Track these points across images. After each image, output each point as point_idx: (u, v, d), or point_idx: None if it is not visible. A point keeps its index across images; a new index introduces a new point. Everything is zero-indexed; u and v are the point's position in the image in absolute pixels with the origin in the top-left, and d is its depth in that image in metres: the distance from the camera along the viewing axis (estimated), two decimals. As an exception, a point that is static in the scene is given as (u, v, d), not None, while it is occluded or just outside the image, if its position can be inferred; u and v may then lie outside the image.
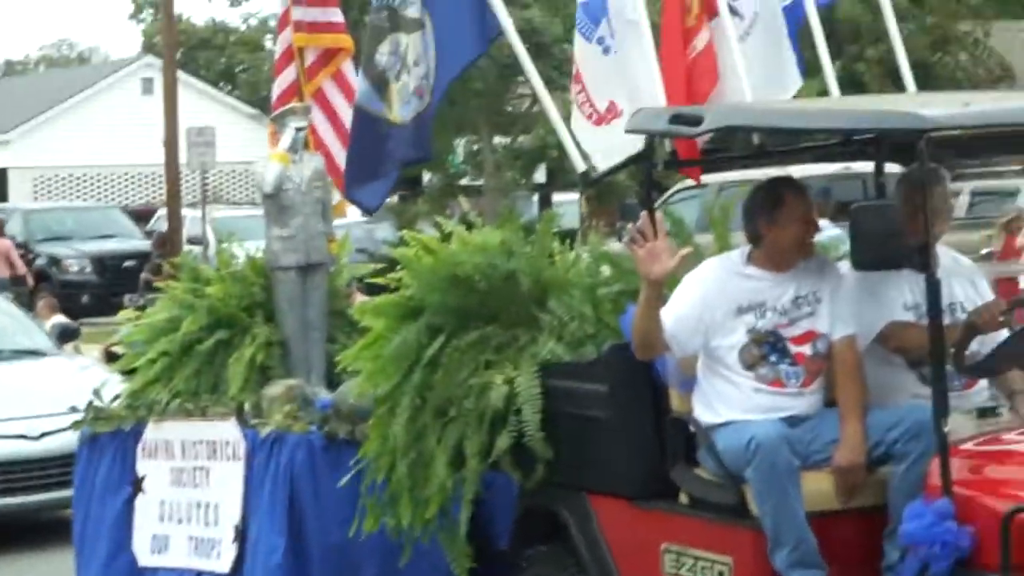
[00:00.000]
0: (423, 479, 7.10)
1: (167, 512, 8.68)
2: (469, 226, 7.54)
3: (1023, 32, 35.82)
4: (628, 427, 6.58)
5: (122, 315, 9.82)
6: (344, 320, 8.98)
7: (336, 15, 9.71)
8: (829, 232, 7.14)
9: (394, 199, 31.35)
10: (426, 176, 30.71)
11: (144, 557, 8.75)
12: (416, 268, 7.29)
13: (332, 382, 8.68)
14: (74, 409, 9.34)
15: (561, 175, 29.53)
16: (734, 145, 8.14)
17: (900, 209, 5.66)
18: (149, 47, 47.51)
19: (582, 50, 8.19)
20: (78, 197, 42.20)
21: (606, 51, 8.14)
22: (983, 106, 5.99)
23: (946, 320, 5.86)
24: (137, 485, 8.79)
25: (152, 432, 8.72)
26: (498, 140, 29.46)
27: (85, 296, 26.75)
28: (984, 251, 16.12)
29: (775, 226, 6.20)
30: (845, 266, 6.20)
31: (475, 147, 29.83)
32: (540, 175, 31.49)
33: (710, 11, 8.11)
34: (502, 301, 7.20)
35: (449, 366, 7.06)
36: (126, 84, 44.22)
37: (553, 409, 6.78)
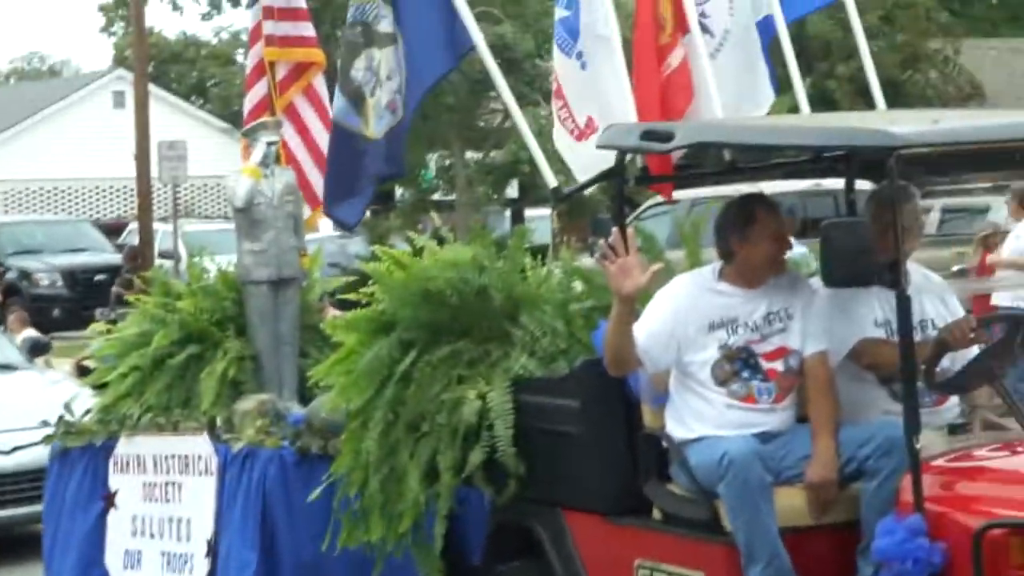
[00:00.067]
0: (396, 494, 7.09)
1: (139, 527, 8.66)
2: (441, 241, 7.54)
3: (992, 50, 36.06)
4: (601, 443, 6.59)
5: (92, 328, 9.79)
6: (316, 334, 8.97)
7: (308, 29, 9.72)
8: (795, 250, 7.17)
9: (366, 214, 31.34)
10: (398, 191, 30.71)
11: (116, 572, 8.73)
12: (388, 283, 7.29)
13: (304, 397, 8.68)
14: (45, 423, 9.30)
15: (533, 190, 29.57)
16: (706, 161, 8.16)
17: (870, 226, 5.69)
18: (120, 60, 47.40)
19: (562, 65, 8.22)
20: (49, 210, 42.04)
21: (583, 66, 8.17)
22: (952, 124, 6.03)
23: (917, 337, 5.89)
24: (109, 500, 8.76)
25: (124, 447, 8.70)
26: (470, 155, 29.47)
27: (56, 310, 26.63)
28: (956, 268, 16.17)
29: (747, 243, 6.22)
30: (817, 282, 6.22)
31: (447, 162, 29.83)
32: (512, 190, 31.53)
33: (682, 28, 8.13)
34: (474, 316, 7.21)
35: (421, 381, 7.07)
36: (97, 97, 44.10)
37: (525, 424, 6.79)
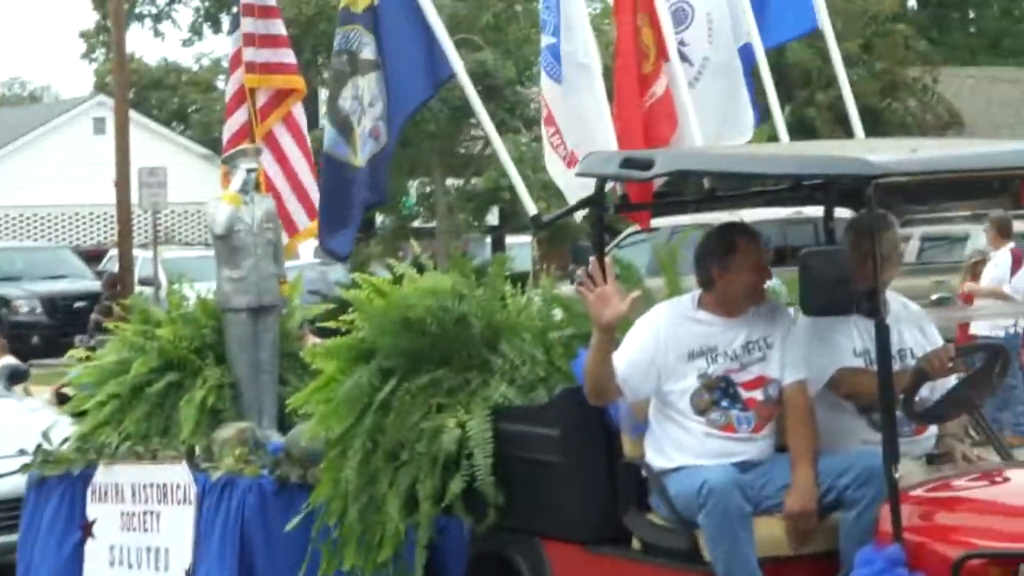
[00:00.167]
0: (375, 523, 7.07)
1: (117, 556, 8.60)
2: (420, 269, 7.54)
3: (971, 79, 36.21)
4: (580, 472, 6.58)
5: (71, 356, 9.75)
6: (296, 362, 8.94)
7: (288, 56, 9.72)
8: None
9: (348, 241, 31.25)
10: (379, 218, 30.68)
11: (93, 602, 8.68)
12: (368, 311, 7.28)
13: (284, 425, 8.65)
14: (23, 452, 9.24)
15: (514, 218, 29.57)
16: (686, 189, 8.18)
17: (849, 255, 5.70)
18: (101, 87, 47.35)
19: (551, 91, 8.21)
20: (28, 237, 41.94)
21: (565, 93, 8.19)
22: (931, 153, 6.05)
23: (896, 366, 5.90)
24: (87, 529, 8.71)
25: (102, 475, 8.65)
26: (451, 182, 29.47)
27: (35, 337, 26.51)
28: (936, 296, 16.21)
29: (727, 272, 6.22)
30: (796, 311, 6.23)
31: (428, 189, 29.83)
32: (493, 217, 31.53)
33: (664, 56, 8.15)
34: (454, 344, 7.20)
35: (401, 409, 7.06)
36: (78, 123, 44.01)
37: (505, 453, 6.78)
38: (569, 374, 6.86)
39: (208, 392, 8.70)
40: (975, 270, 15.08)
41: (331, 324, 7.66)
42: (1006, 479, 6.06)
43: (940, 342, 6.36)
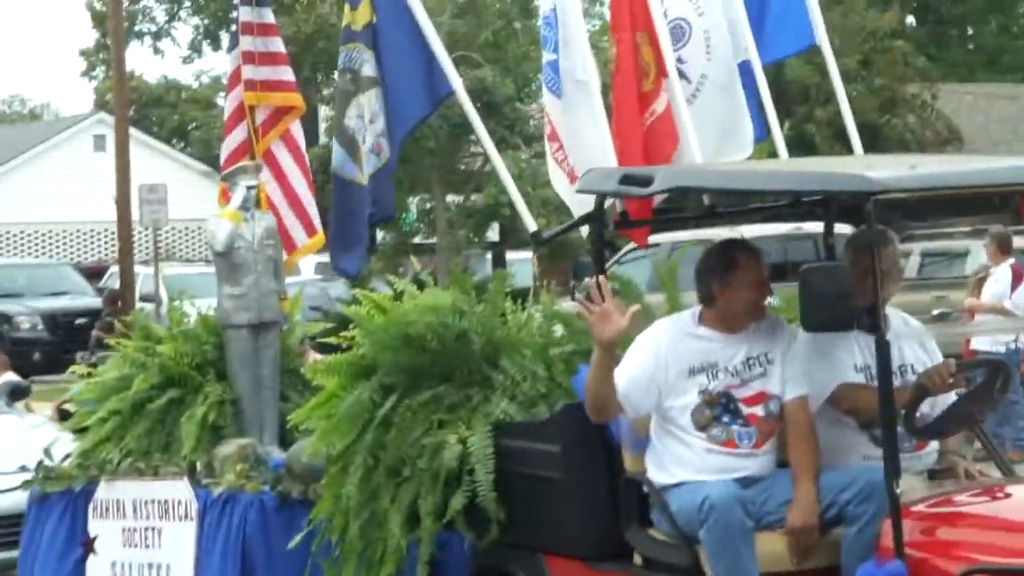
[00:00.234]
0: (376, 539, 7.08)
1: (118, 573, 8.60)
2: (421, 285, 7.55)
3: (969, 95, 36.25)
4: (582, 487, 6.59)
5: (72, 372, 9.76)
6: (297, 378, 8.95)
7: (287, 73, 9.75)
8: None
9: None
10: (379, 234, 30.71)
11: (95, 618, 8.68)
12: (368, 327, 7.29)
13: (285, 441, 8.66)
14: (24, 468, 9.25)
15: (514, 234, 29.59)
16: (686, 206, 8.19)
17: (849, 271, 5.71)
18: (101, 104, 47.40)
19: (553, 107, 8.23)
20: (29, 254, 41.95)
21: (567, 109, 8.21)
22: (930, 169, 6.07)
23: (896, 382, 5.91)
24: (88, 546, 8.71)
25: (104, 492, 8.66)
26: (451, 198, 29.51)
27: (36, 353, 26.51)
28: (936, 311, 16.21)
29: (728, 288, 6.23)
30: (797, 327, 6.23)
31: (428, 205, 29.86)
32: (493, 233, 31.56)
33: (663, 72, 8.16)
34: (455, 360, 7.21)
35: (402, 425, 7.06)
36: (78, 141, 44.05)
37: (506, 469, 6.78)
38: (570, 390, 6.87)
39: (209, 408, 8.71)
40: (981, 285, 15.09)
41: (332, 340, 7.67)
42: (1007, 495, 6.06)
43: (940, 358, 6.36)
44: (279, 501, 7.90)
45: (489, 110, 26.25)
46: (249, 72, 9.55)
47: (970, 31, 49.03)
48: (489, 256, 33.29)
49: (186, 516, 8.25)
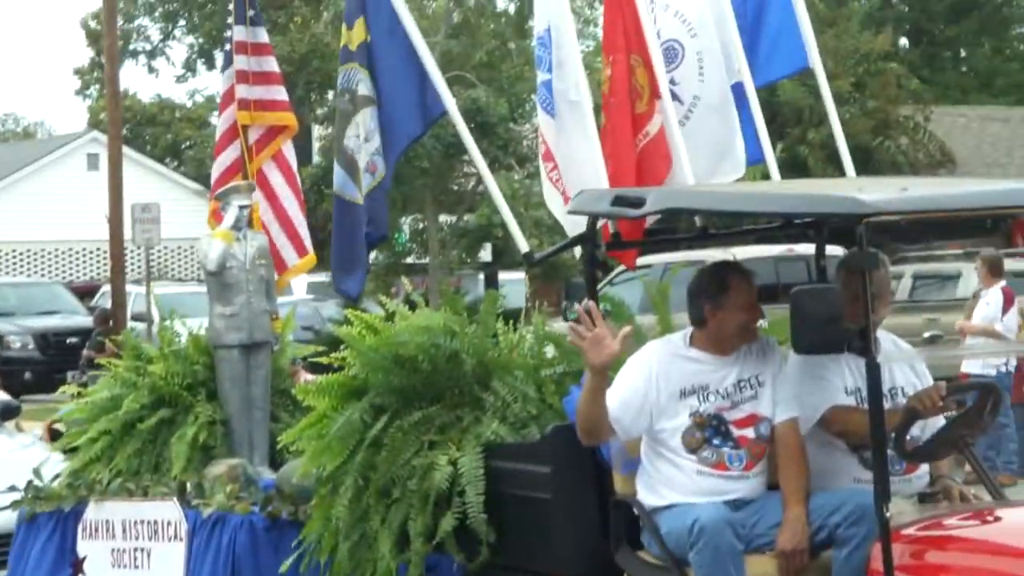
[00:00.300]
0: (366, 560, 7.06)
1: (107, 593, 8.59)
2: (412, 306, 7.55)
3: (962, 117, 36.32)
4: (572, 509, 6.58)
5: (63, 391, 9.75)
6: (288, 399, 8.95)
7: (280, 93, 9.77)
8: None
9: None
10: (372, 254, 30.67)
11: (83, 639, 8.65)
12: (360, 347, 7.28)
13: (275, 461, 8.64)
14: (13, 488, 9.23)
15: (507, 254, 29.61)
16: (679, 227, 8.19)
17: (840, 293, 5.70)
18: (95, 123, 47.41)
19: (548, 127, 8.22)
20: (21, 272, 41.94)
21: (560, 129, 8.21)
22: (921, 192, 6.07)
23: (887, 404, 5.90)
24: (77, 566, 8.69)
25: (93, 512, 8.64)
26: (443, 218, 29.53)
27: (28, 373, 26.51)
28: (928, 334, 16.22)
29: (720, 310, 6.23)
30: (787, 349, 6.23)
31: (420, 225, 29.88)
32: (486, 253, 31.57)
33: (657, 94, 8.16)
34: (446, 381, 7.21)
35: (392, 446, 7.05)
36: (71, 159, 44.04)
37: (497, 490, 6.77)
38: (561, 412, 6.87)
39: (199, 428, 8.70)
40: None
41: (324, 361, 7.67)
42: (997, 518, 6.05)
43: (931, 381, 6.36)
44: (269, 522, 7.89)
45: (483, 130, 26.27)
46: (243, 91, 9.57)
47: (963, 54, 49.17)
48: (481, 276, 33.29)
49: (175, 537, 8.23)
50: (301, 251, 9.65)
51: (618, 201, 6.47)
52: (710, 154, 8.47)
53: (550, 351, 7.43)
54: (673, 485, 6.18)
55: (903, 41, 45.80)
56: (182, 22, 44.21)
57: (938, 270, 20.29)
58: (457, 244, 29.42)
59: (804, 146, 28.95)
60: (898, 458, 6.02)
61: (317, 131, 34.05)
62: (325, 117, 31.49)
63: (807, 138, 29.12)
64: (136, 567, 8.45)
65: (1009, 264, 16.04)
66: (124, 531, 8.51)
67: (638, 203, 6.32)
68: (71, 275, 41.90)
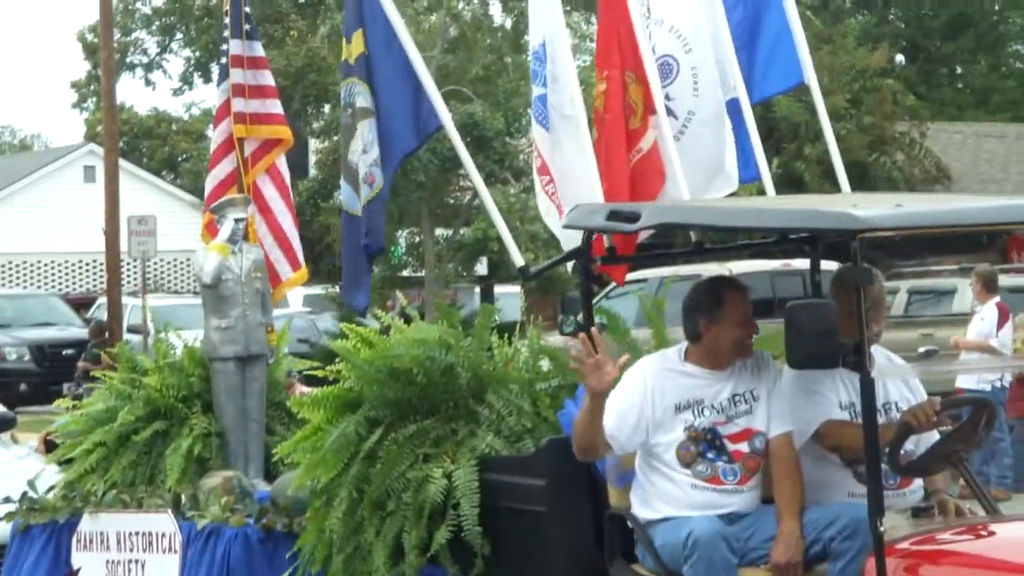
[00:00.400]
0: (361, 573, 7.06)
1: (101, 605, 8.58)
2: (407, 319, 7.56)
3: (958, 134, 36.38)
4: (566, 522, 6.58)
5: (58, 403, 9.75)
6: (283, 411, 8.95)
7: (276, 107, 9.78)
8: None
9: (335, 289, 31.33)
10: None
11: (77, 651, 8.64)
12: (355, 360, 7.29)
13: (270, 473, 8.64)
14: (8, 500, 9.23)
15: (503, 268, 29.60)
16: (674, 242, 8.20)
17: (835, 308, 5.71)
18: (92, 136, 47.43)
19: (544, 141, 8.22)
20: (17, 284, 41.91)
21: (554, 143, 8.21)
22: (915, 208, 6.08)
23: (881, 419, 5.91)
24: (71, 578, 8.69)
25: (87, 523, 8.64)
26: (439, 232, 29.53)
27: (23, 384, 26.49)
28: (923, 349, 16.24)
29: (715, 325, 6.24)
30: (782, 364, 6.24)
31: (416, 239, 29.88)
32: (482, 267, 31.58)
33: (651, 109, 8.17)
34: (441, 394, 7.21)
35: (387, 459, 7.05)
36: (68, 172, 44.04)
37: (491, 503, 6.78)
38: (555, 425, 6.88)
39: (194, 441, 8.70)
40: None
41: (319, 373, 7.68)
42: (991, 533, 6.06)
43: (925, 395, 6.37)
44: (263, 534, 7.89)
45: (479, 144, 26.27)
46: (239, 105, 9.58)
47: (959, 70, 49.26)
48: (477, 290, 33.29)
49: (170, 549, 8.24)
50: (295, 265, 9.67)
51: (613, 216, 6.49)
52: (704, 169, 8.48)
53: (545, 365, 7.44)
54: (668, 499, 6.19)
55: (899, 58, 45.87)
56: (179, 35, 44.22)
57: (933, 286, 20.31)
58: (453, 258, 29.41)
59: (800, 161, 28.97)
60: (892, 472, 6.03)
61: (313, 144, 34.04)
62: (321, 131, 31.47)
63: (803, 153, 29.15)
64: (130, 579, 8.45)
65: (1004, 280, 16.06)
66: (119, 543, 8.51)
67: (633, 218, 6.33)
68: (67, 287, 41.89)
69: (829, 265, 7.32)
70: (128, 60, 44.17)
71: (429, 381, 7.20)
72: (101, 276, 31.60)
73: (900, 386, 6.37)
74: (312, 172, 32.66)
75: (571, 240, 7.73)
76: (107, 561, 8.56)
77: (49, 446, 10.35)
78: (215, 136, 9.86)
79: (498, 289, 32.10)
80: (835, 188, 8.88)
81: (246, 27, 9.69)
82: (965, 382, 13.77)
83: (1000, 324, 14.40)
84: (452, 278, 29.74)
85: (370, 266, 8.70)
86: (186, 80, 44.30)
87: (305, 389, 8.91)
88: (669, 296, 7.77)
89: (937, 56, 47.55)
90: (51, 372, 25.80)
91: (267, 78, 9.78)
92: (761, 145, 8.82)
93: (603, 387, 6.04)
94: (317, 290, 31.16)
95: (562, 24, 8.32)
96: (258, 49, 9.82)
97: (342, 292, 9.02)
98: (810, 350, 5.58)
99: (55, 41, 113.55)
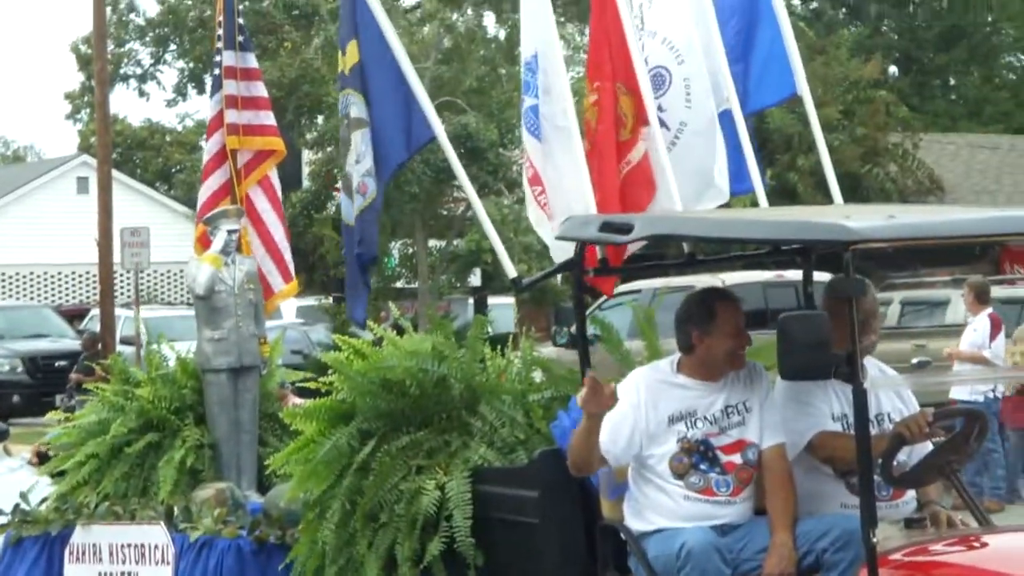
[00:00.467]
0: (353, 584, 7.06)
1: (93, 617, 8.57)
2: (400, 330, 7.56)
3: (951, 145, 36.42)
4: (559, 533, 6.58)
5: (51, 415, 9.74)
6: (276, 423, 8.94)
7: (268, 118, 9.79)
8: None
9: (328, 301, 31.32)
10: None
11: (69, 663, 8.63)
12: (347, 372, 7.29)
13: (263, 485, 8.63)
14: (0, 512, 9.21)
15: (497, 278, 29.60)
16: (667, 253, 8.20)
17: (827, 319, 5.72)
18: (86, 147, 47.41)
19: (536, 151, 8.22)
20: (10, 296, 41.88)
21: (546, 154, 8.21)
22: (908, 219, 6.08)
23: (874, 430, 5.91)
24: (63, 590, 8.68)
25: (80, 536, 8.62)
26: (433, 243, 29.53)
27: (15, 396, 26.47)
28: (916, 360, 16.25)
29: (708, 337, 6.25)
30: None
31: (410, 250, 29.89)
32: (476, 278, 31.58)
33: (642, 121, 8.17)
34: (433, 406, 7.21)
35: (380, 471, 7.05)
36: (61, 183, 44.01)
37: (484, 515, 6.78)
38: (548, 436, 6.87)
39: (187, 452, 8.69)
40: None
41: (312, 385, 7.67)
42: (984, 544, 6.06)
43: (917, 407, 6.37)
44: (256, 546, 7.88)
45: (472, 155, 26.28)
46: (232, 116, 9.59)
47: (952, 82, 49.31)
48: (471, 301, 33.28)
49: (163, 560, 8.23)
50: (287, 277, 9.67)
51: (606, 227, 6.49)
52: (695, 181, 8.47)
53: (538, 376, 7.44)
54: (660, 510, 6.19)
55: (892, 69, 45.89)
56: (173, 47, 44.20)
57: (926, 296, 20.33)
58: (446, 269, 29.41)
59: (793, 173, 28.99)
60: (885, 484, 6.03)
61: (307, 156, 34.03)
62: (315, 142, 31.46)
63: (796, 165, 29.17)
64: (123, 591, 8.44)
65: (997, 291, 16.08)
66: (111, 555, 8.50)
67: (626, 229, 6.34)
68: (60, 299, 41.86)
69: (822, 276, 7.33)
70: (122, 71, 44.11)
71: (422, 393, 7.20)
72: (94, 288, 31.57)
73: (892, 397, 6.37)
74: (305, 183, 32.66)
75: (561, 251, 7.74)
76: (100, 573, 8.55)
77: (42, 458, 10.34)
78: (208, 148, 9.87)
79: (491, 300, 32.10)
80: (828, 199, 8.88)
81: (239, 38, 9.70)
82: (958, 393, 13.79)
83: (993, 335, 14.42)
84: (445, 289, 29.73)
85: (366, 276, 8.69)
86: (180, 91, 44.23)
87: (298, 401, 8.90)
88: (662, 308, 7.77)
89: (930, 67, 47.59)
90: (44, 384, 25.78)
91: (260, 89, 9.79)
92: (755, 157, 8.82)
93: (599, 411, 6.04)
94: (311, 301, 31.14)
95: (555, 35, 8.33)
96: (251, 60, 9.83)
97: (347, 306, 9.02)
98: (802, 361, 5.58)
99: (48, 52, 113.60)
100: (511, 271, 8.17)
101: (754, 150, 8.77)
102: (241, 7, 10.08)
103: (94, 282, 29.89)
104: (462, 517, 6.77)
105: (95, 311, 27.62)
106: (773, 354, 5.67)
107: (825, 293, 6.32)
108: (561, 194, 8.04)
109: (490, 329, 7.64)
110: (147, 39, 43.71)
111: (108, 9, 29.07)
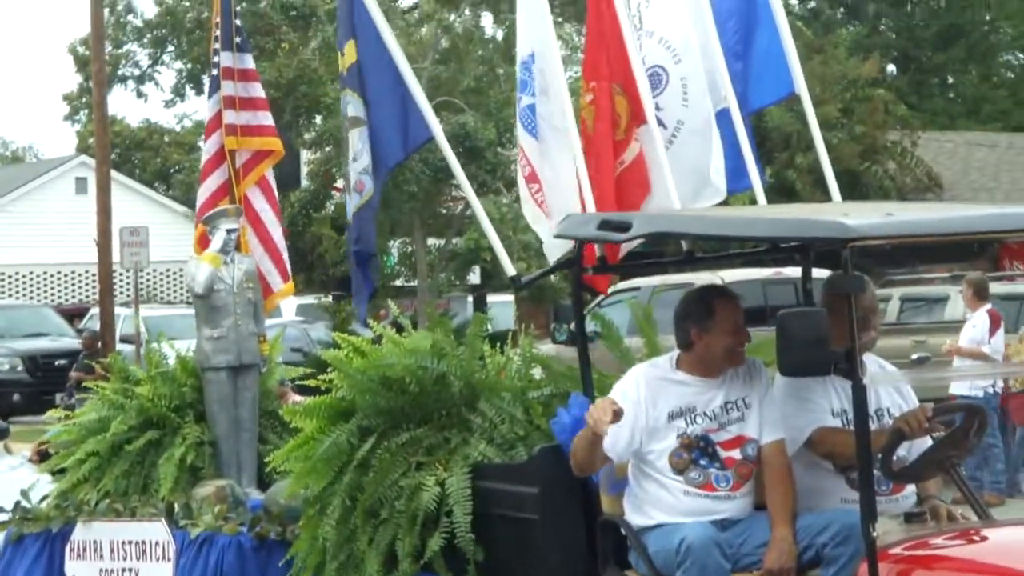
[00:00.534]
0: (354, 581, 7.08)
1: (95, 614, 8.58)
2: (399, 328, 7.58)
3: (949, 143, 36.44)
4: (559, 529, 6.60)
5: (51, 414, 9.76)
6: (275, 420, 8.96)
7: (266, 118, 9.80)
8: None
9: (328, 299, 31.34)
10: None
11: (71, 660, 8.65)
12: (347, 370, 7.30)
13: (263, 482, 8.65)
14: (1, 509, 9.23)
15: (496, 276, 29.61)
16: (666, 251, 8.21)
17: (826, 316, 5.73)
18: (84, 148, 47.39)
19: (532, 149, 8.23)
20: (10, 295, 41.88)
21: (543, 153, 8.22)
22: (906, 216, 6.10)
23: (873, 426, 5.93)
24: (64, 587, 8.70)
25: (81, 533, 8.64)
26: (432, 242, 29.54)
27: (16, 395, 26.49)
28: (915, 356, 16.26)
29: (707, 334, 6.27)
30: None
31: (409, 249, 29.90)
32: (475, 276, 31.59)
33: (638, 120, 8.18)
34: (433, 403, 7.23)
35: (380, 467, 7.07)
36: (60, 183, 44.02)
37: (484, 511, 6.79)
38: (548, 432, 6.89)
39: (187, 450, 8.71)
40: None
41: (311, 382, 7.69)
42: (983, 538, 6.08)
43: (917, 402, 6.39)
44: (256, 542, 7.90)
45: (471, 155, 26.29)
46: (230, 117, 9.61)
47: (950, 80, 49.33)
48: (470, 299, 33.30)
49: (163, 557, 8.25)
50: (284, 276, 9.69)
51: (604, 225, 6.51)
52: (692, 179, 8.48)
53: (537, 373, 7.46)
54: (660, 505, 6.21)
55: (891, 68, 45.93)
56: (170, 48, 44.20)
57: (926, 293, 20.34)
58: (445, 267, 29.42)
59: (792, 171, 29.00)
60: (884, 478, 6.05)
61: (305, 156, 34.04)
62: (313, 142, 31.46)
63: (795, 163, 29.18)
64: (124, 588, 8.46)
65: (996, 288, 16.09)
66: (112, 552, 8.52)
67: (624, 227, 6.35)
68: (59, 298, 41.87)
69: (821, 273, 7.35)
70: (120, 72, 44.12)
71: (421, 390, 7.21)
72: (93, 287, 31.60)
73: (892, 393, 6.39)
74: (304, 183, 32.67)
75: (555, 249, 7.76)
76: (100, 570, 8.57)
77: (42, 456, 10.36)
78: (206, 148, 9.89)
79: (491, 298, 32.14)
80: (826, 197, 8.89)
81: (237, 39, 9.71)
82: (958, 389, 13.81)
83: (992, 331, 14.45)
84: (445, 287, 29.75)
85: (367, 273, 8.70)
86: (178, 92, 44.23)
87: (298, 398, 8.92)
88: (660, 305, 7.78)
89: (928, 66, 47.62)
90: (44, 383, 25.80)
91: (257, 90, 9.81)
92: (753, 155, 8.82)
93: (605, 428, 6.04)
94: (310, 300, 31.16)
95: (552, 36, 8.34)
96: (249, 61, 9.84)
97: (354, 306, 9.04)
98: (802, 358, 5.60)
99: (47, 54, 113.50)
100: (510, 269, 8.19)
101: (752, 148, 8.78)
102: (238, 8, 10.10)
103: (93, 281, 29.92)
104: (462, 513, 6.79)
105: (95, 310, 27.64)
106: (772, 350, 5.69)
107: (824, 290, 6.34)
108: (559, 192, 8.05)
109: (489, 327, 7.65)
110: (145, 40, 43.71)
111: (106, 11, 29.13)
